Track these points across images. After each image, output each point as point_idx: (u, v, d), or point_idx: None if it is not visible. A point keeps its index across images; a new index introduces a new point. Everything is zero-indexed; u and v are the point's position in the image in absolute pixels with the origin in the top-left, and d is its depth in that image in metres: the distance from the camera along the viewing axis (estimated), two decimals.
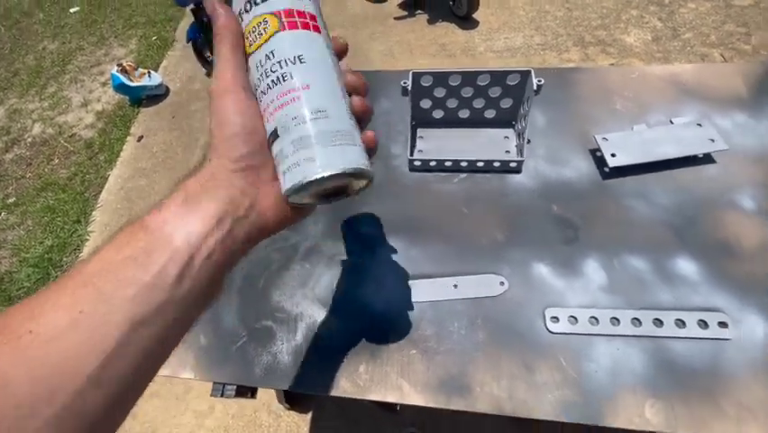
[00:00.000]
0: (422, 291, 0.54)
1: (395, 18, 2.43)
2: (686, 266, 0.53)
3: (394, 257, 0.58)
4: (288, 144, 0.26)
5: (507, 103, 0.65)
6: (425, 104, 0.67)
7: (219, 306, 0.57)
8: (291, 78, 0.27)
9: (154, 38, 2.70)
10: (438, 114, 0.69)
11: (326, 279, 0.57)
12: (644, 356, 0.47)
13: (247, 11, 0.28)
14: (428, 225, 0.61)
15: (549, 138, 0.67)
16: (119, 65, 2.16)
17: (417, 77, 0.62)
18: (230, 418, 1.27)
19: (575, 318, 0.50)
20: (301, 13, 0.28)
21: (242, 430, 1.25)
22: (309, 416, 1.25)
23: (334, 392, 0.49)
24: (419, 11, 2.45)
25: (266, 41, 0.27)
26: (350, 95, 0.30)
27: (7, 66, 2.79)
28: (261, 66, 0.27)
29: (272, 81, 0.27)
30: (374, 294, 0.55)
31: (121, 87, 2.16)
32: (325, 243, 0.61)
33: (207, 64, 2.26)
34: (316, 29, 0.29)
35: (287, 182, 0.26)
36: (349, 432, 1.20)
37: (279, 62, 0.27)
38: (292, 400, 1.18)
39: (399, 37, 2.33)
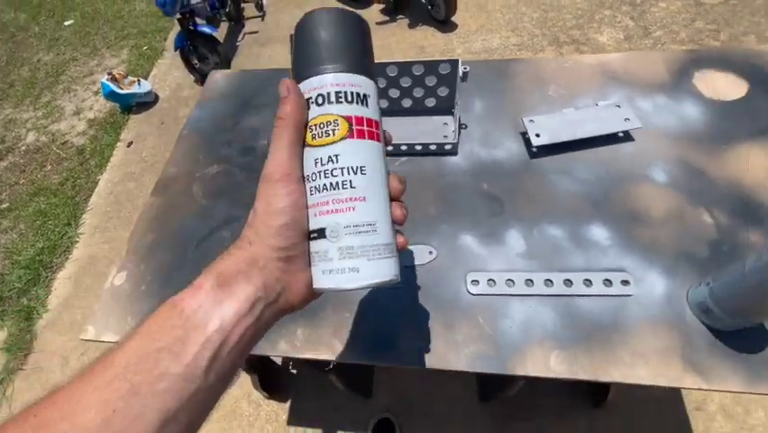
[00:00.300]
0: None
1: (377, 23, 2.50)
2: (598, 233, 0.57)
3: None
4: (335, 250, 0.27)
5: (443, 91, 0.70)
6: None
7: (170, 274, 0.62)
8: (351, 186, 0.27)
9: (145, 48, 2.78)
10: (383, 104, 0.74)
11: None
12: (554, 313, 0.52)
13: (318, 104, 0.28)
14: None
15: (485, 124, 0.72)
16: (109, 74, 2.23)
17: None
18: None
19: (493, 281, 0.55)
20: (369, 122, 0.29)
21: (223, 420, 1.28)
22: (288, 404, 1.28)
23: (273, 353, 0.54)
24: (400, 15, 2.52)
25: (332, 142, 0.28)
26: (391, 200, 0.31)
27: (3, 78, 2.87)
28: (322, 164, 0.28)
29: (330, 184, 0.27)
30: None
31: (111, 95, 2.23)
32: None
33: (195, 71, 2.33)
34: (378, 137, 0.30)
35: (325, 282, 0.27)
36: (327, 419, 1.24)
37: (342, 169, 0.27)
38: (269, 388, 1.22)
39: (380, 41, 2.39)
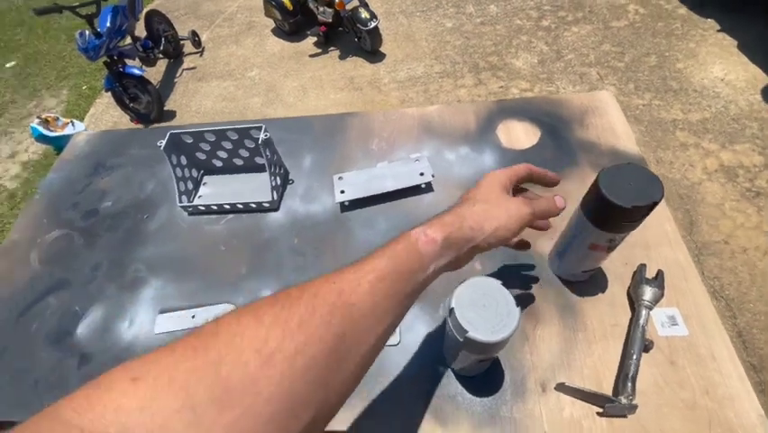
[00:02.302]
0: (164, 324, 0.63)
1: (310, 56, 2.59)
2: None
3: (151, 295, 0.66)
4: None
5: (269, 151, 0.75)
6: (201, 156, 0.77)
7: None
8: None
9: (84, 87, 2.80)
10: (218, 163, 0.79)
11: (89, 318, 0.65)
12: None
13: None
14: (190, 263, 0.69)
15: (310, 178, 0.77)
16: (39, 117, 2.24)
17: (176, 136, 0.72)
18: None
19: None
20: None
21: None
22: None
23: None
24: (332, 47, 2.61)
25: None
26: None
27: None
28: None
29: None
30: (126, 329, 0.63)
31: (41, 138, 2.24)
32: (106, 284, 0.69)
33: (128, 110, 2.36)
34: None
35: None
36: None
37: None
38: None
39: (312, 73, 2.48)
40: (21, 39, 3.46)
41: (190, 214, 0.76)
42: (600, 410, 0.48)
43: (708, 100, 1.93)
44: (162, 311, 0.64)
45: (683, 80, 2.03)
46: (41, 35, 3.44)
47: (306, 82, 2.44)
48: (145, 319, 0.64)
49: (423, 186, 0.72)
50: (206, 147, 0.75)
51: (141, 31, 2.55)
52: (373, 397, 0.53)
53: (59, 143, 2.31)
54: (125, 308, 0.65)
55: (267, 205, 0.72)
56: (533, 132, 0.77)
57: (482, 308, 0.37)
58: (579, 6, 2.59)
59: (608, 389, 0.49)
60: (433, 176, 0.70)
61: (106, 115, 2.56)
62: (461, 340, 0.37)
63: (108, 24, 2.08)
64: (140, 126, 2.36)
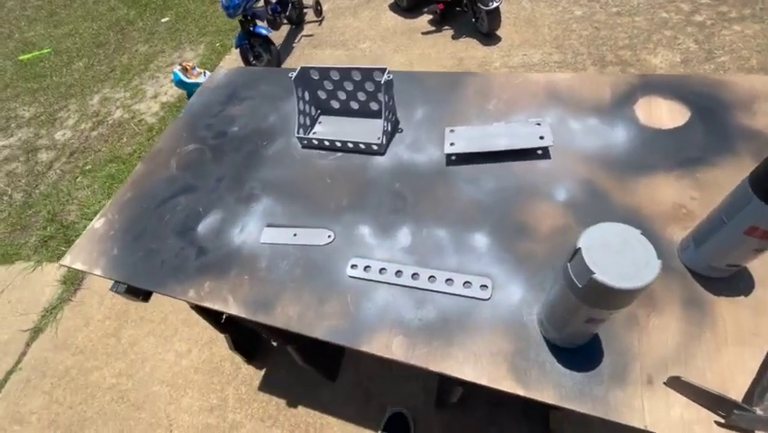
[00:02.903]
0: (269, 236, 0.68)
1: (422, 33, 2.58)
2: (479, 240, 0.60)
3: (261, 209, 0.73)
4: None
5: (387, 96, 0.77)
6: (322, 95, 0.81)
7: (128, 231, 0.76)
8: None
9: (218, 44, 3.14)
10: (335, 104, 0.82)
11: (209, 220, 0.74)
12: (411, 304, 0.56)
13: None
14: (297, 189, 0.74)
15: (420, 130, 0.77)
16: (180, 65, 2.57)
17: (305, 71, 0.76)
18: (201, 361, 1.49)
19: (370, 267, 0.60)
20: None
21: (208, 373, 1.45)
22: (263, 372, 1.41)
23: (182, 297, 0.65)
24: (446, 27, 2.57)
25: None
26: None
27: (108, 63, 3.42)
28: None
29: None
30: (237, 234, 0.70)
31: (179, 83, 2.57)
32: (226, 194, 0.77)
33: (250, 66, 2.60)
34: None
35: None
36: (293, 392, 1.34)
37: None
38: (245, 352, 1.35)
39: (421, 50, 2.47)
40: None
41: (304, 147, 0.80)
42: (721, 420, 0.41)
43: None
44: (269, 225, 0.70)
45: None
46: None
47: (414, 58, 2.44)
48: (254, 229, 0.70)
49: (539, 151, 0.67)
50: (329, 86, 0.79)
51: None
52: (455, 344, 0.52)
53: (192, 89, 2.63)
54: (239, 217, 0.73)
55: (375, 147, 0.74)
56: (680, 112, 0.67)
57: (615, 253, 0.33)
58: (748, 2, 2.19)
59: (736, 398, 0.42)
60: (553, 142, 0.65)
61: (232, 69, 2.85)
62: (581, 286, 0.34)
63: None
64: None
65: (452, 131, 0.70)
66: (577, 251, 0.34)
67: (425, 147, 0.74)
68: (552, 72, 1.61)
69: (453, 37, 2.49)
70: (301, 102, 0.78)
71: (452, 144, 0.68)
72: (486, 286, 0.55)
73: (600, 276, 0.32)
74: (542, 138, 0.65)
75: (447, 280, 0.57)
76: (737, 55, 1.96)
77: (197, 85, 2.58)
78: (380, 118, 0.80)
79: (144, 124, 2.68)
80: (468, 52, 2.38)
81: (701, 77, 0.71)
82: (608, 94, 0.73)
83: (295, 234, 0.67)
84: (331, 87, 0.79)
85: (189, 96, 2.69)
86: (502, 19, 2.34)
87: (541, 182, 0.64)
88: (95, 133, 2.77)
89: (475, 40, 2.43)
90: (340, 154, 0.78)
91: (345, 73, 0.75)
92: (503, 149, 0.66)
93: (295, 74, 0.75)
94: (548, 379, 0.47)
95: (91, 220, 2.25)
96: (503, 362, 0.49)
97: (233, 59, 2.94)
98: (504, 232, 0.60)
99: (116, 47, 3.60)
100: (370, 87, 0.76)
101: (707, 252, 0.48)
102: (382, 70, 0.71)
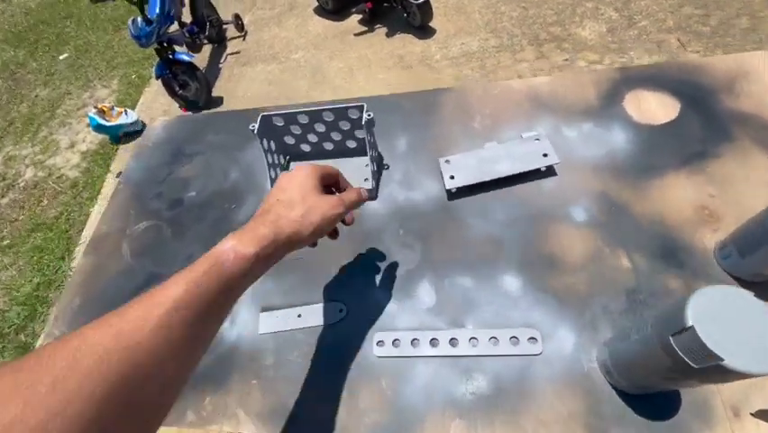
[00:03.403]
0: (268, 323, 0.58)
1: (354, 34, 2.49)
2: (510, 282, 0.55)
3: (248, 291, 0.62)
4: None
5: (361, 134, 0.68)
6: (290, 140, 0.71)
7: None
8: None
9: (134, 76, 2.84)
10: (306, 147, 0.73)
11: None
12: (458, 376, 0.50)
13: None
14: (286, 257, 0.64)
15: (407, 162, 0.70)
16: (95, 107, 2.29)
17: (267, 119, 0.66)
18: None
19: (399, 341, 0.53)
20: None
21: None
22: None
23: (180, 425, 0.53)
24: (378, 25, 2.50)
25: None
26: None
27: (4, 115, 2.98)
28: None
29: None
30: (228, 329, 0.59)
31: (98, 128, 2.29)
32: None
33: (177, 97, 2.37)
34: None
35: None
36: None
37: None
38: None
39: (358, 53, 2.38)
40: (71, 31, 3.55)
41: None
42: None
43: None
44: (264, 309, 0.60)
45: None
46: (90, 26, 3.52)
47: (352, 63, 2.35)
48: (247, 318, 0.60)
49: (543, 169, 0.63)
50: (297, 130, 0.69)
51: (185, 17, 2.53)
52: (520, 412, 0.46)
53: (114, 132, 2.36)
54: None
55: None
56: (670, 104, 0.65)
57: (733, 326, 0.28)
58: None
59: None
60: (558, 159, 0.60)
61: (156, 103, 2.59)
62: (697, 367, 0.29)
63: (158, 10, 2.07)
64: (188, 113, 2.37)
65: (446, 162, 0.64)
66: (689, 329, 0.29)
67: (418, 182, 0.67)
68: (529, 78, 1.61)
69: (387, 35, 2.43)
70: (268, 154, 0.68)
71: (452, 178, 0.62)
72: (534, 338, 0.50)
73: (732, 363, 0.27)
74: (545, 156, 0.61)
75: (491, 338, 0.51)
76: (655, 18, 2.08)
77: (121, 127, 2.32)
78: (360, 156, 0.72)
79: (66, 180, 2.37)
80: (406, 49, 2.33)
81: (677, 64, 0.70)
82: (592, 93, 0.70)
83: (299, 316, 0.58)
84: (299, 132, 0.69)
85: (114, 140, 2.41)
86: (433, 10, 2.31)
87: (554, 204, 0.60)
88: (5, 200, 2.41)
89: (410, 35, 2.39)
90: None
91: (315, 116, 0.66)
92: (506, 174, 0.61)
93: (257, 125, 0.64)
94: None
95: (23, 305, 1.96)
96: (578, 426, 0.44)
97: (154, 92, 2.67)
98: (533, 268, 0.55)
99: (9, 95, 3.15)
100: (345, 125, 0.67)
101: (755, 261, 0.45)
102: (359, 108, 0.63)
